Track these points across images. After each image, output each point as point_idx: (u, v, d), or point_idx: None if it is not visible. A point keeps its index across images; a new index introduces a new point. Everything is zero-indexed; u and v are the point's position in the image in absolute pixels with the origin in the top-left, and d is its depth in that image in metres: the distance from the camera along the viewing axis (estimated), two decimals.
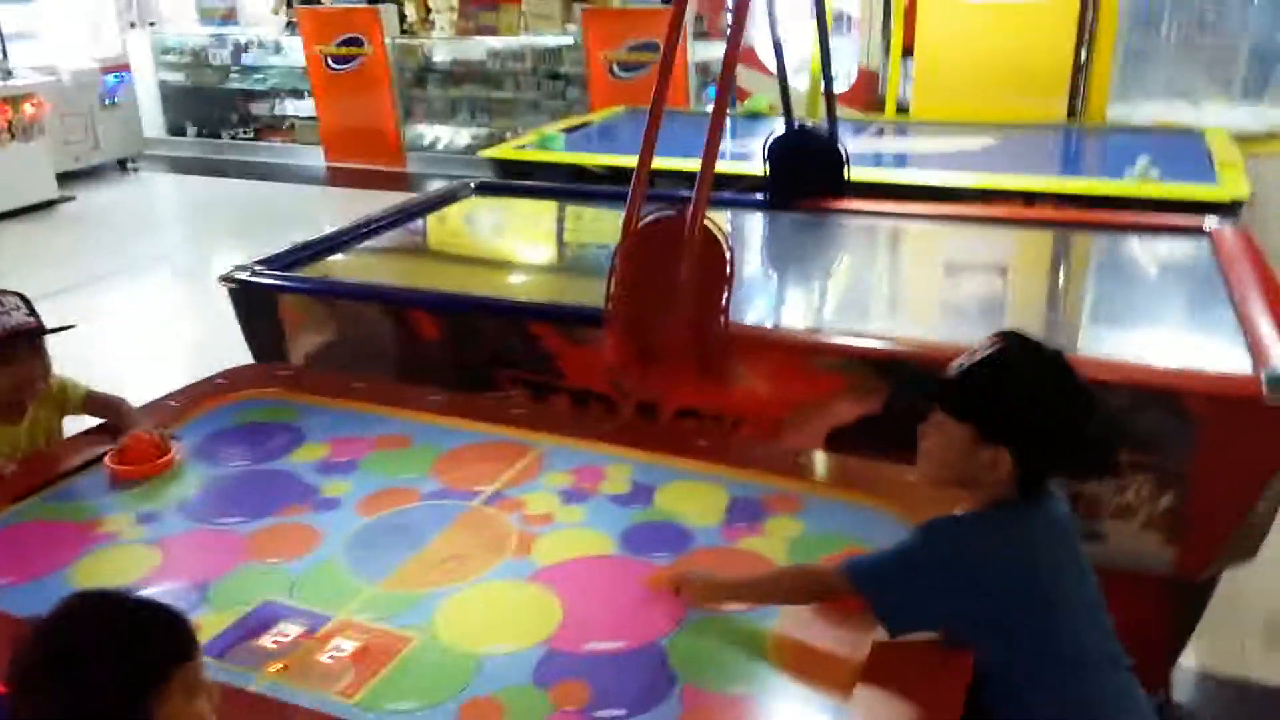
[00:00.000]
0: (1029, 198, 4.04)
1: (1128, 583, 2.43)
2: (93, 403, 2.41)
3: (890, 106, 6.51)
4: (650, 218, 2.61)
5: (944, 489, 1.67)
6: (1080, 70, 6.06)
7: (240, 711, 1.48)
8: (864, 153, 5.01)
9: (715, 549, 1.92)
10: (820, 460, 2.21)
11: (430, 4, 9.01)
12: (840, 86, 7.23)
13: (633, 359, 2.69)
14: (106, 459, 2.19)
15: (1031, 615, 1.55)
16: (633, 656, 1.63)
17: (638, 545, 1.93)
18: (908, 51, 6.39)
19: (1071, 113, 6.11)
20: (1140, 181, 3.94)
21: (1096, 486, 2.38)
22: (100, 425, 2.38)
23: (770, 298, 3.31)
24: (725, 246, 2.56)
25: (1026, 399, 1.57)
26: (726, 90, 2.69)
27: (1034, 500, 1.61)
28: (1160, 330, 2.85)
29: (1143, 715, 1.66)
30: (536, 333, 2.79)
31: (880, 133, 5.65)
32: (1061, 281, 3.44)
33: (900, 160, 5.04)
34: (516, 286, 3.47)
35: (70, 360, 2.47)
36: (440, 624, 1.71)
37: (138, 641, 1.27)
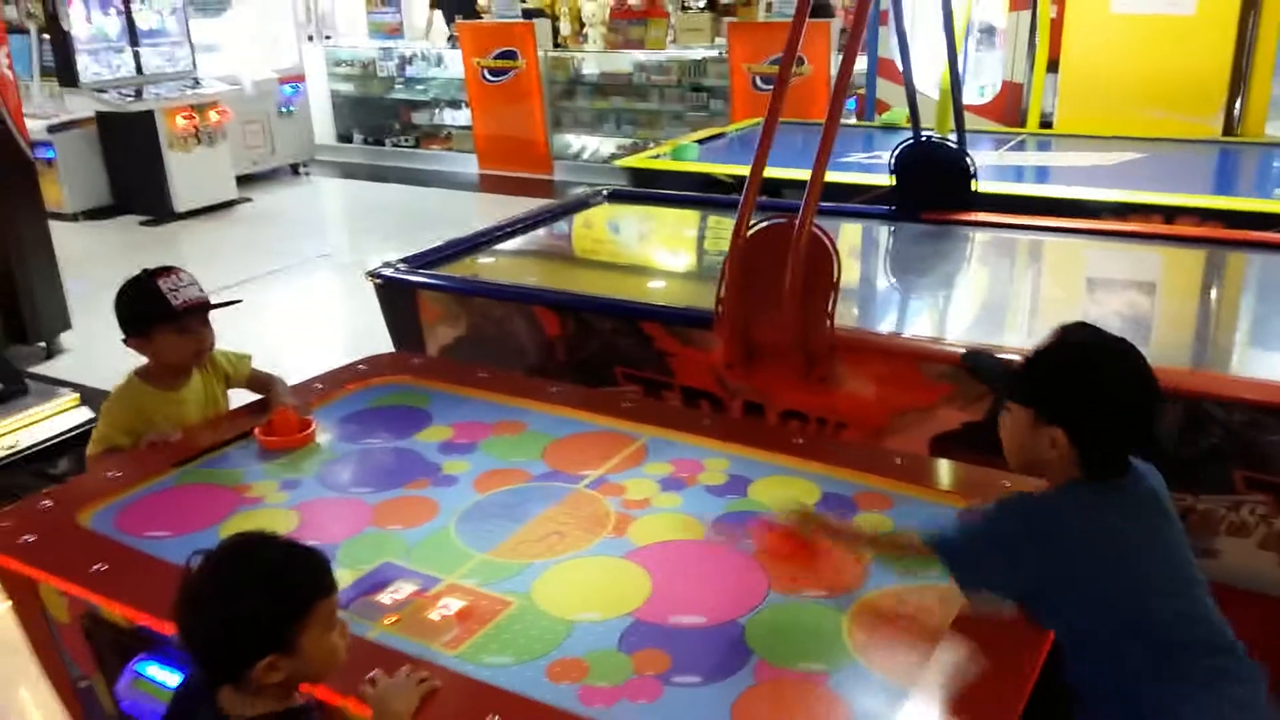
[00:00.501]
0: (1169, 213, 3.93)
1: (1242, 601, 2.39)
2: (254, 378, 2.68)
3: (1033, 119, 6.38)
4: (760, 224, 2.71)
5: (1024, 474, 1.78)
6: (1238, 84, 5.79)
7: (358, 656, 1.65)
8: (1000, 165, 4.96)
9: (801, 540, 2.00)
10: (914, 462, 2.26)
11: (584, 18, 9.33)
12: (984, 99, 7.15)
13: (740, 360, 2.80)
14: (256, 431, 2.45)
15: (1102, 588, 1.60)
16: (712, 631, 1.74)
17: (728, 532, 2.03)
18: (1053, 65, 6.25)
19: (1228, 129, 5.85)
20: None
21: (1211, 502, 2.35)
22: (253, 401, 2.64)
23: (884, 305, 3.35)
24: (832, 252, 2.64)
25: (1076, 382, 1.64)
26: (840, 99, 2.77)
27: (1105, 478, 1.66)
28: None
29: (1247, 709, 1.63)
30: (649, 333, 2.93)
31: (1021, 146, 5.56)
32: (1184, 298, 3.35)
33: (1036, 174, 4.96)
34: (636, 288, 3.62)
35: (239, 342, 2.75)
36: (538, 591, 1.86)
37: (287, 576, 1.48)
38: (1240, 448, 2.27)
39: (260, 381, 2.67)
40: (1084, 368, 1.65)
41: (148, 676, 1.80)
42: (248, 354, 2.71)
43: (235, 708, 1.50)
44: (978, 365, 1.95)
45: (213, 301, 2.52)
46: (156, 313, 2.43)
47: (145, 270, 2.49)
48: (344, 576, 1.89)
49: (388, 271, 3.40)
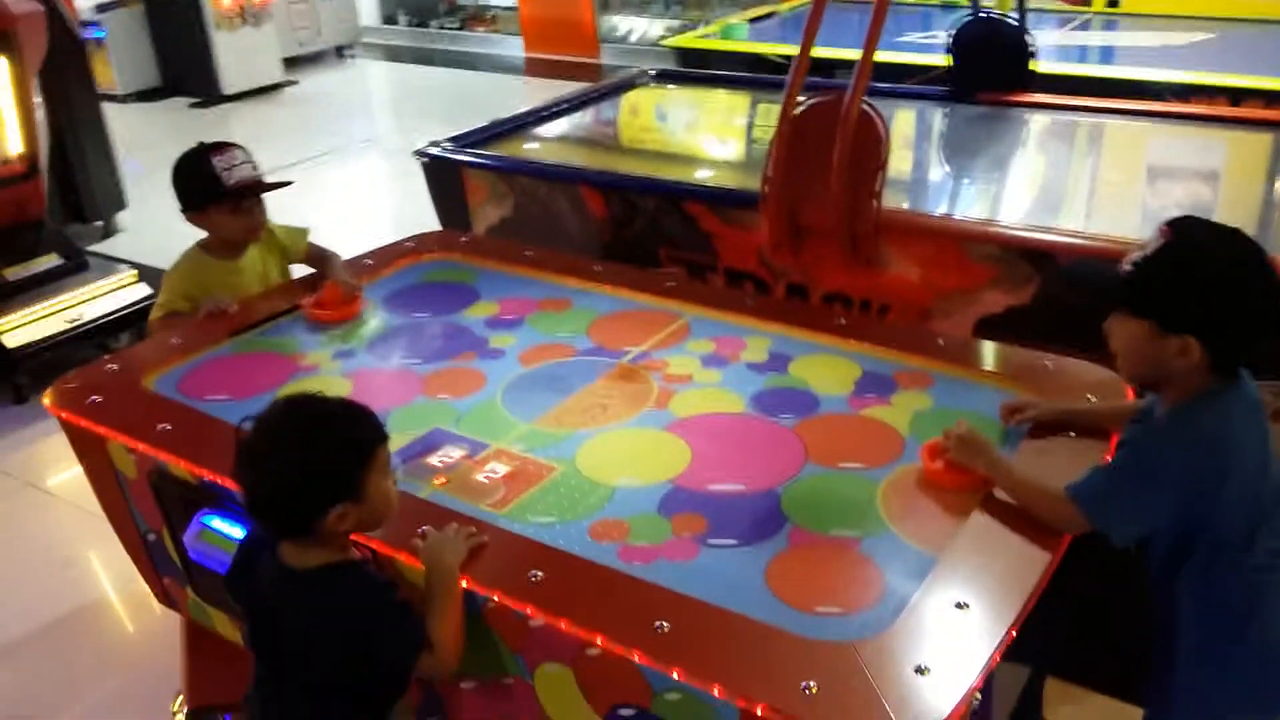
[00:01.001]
0: (1235, 95, 3.79)
1: None
2: (311, 253, 2.74)
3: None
4: (808, 102, 2.67)
5: (1142, 384, 1.67)
6: None
7: (409, 513, 1.73)
8: (1063, 45, 4.79)
9: (840, 415, 2.04)
10: (955, 342, 2.27)
11: None
12: None
13: (785, 241, 2.79)
14: (305, 303, 2.51)
15: (1232, 507, 1.57)
16: (749, 498, 1.79)
17: (767, 407, 2.07)
18: None
19: None
20: None
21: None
22: (307, 275, 2.70)
23: (933, 188, 3.31)
24: (881, 131, 2.60)
25: (1203, 284, 1.52)
26: None
27: (1231, 384, 1.59)
28: None
29: None
30: (693, 213, 2.93)
31: (1086, 25, 5.35)
32: (1249, 182, 3.25)
33: (1099, 54, 4.78)
34: (682, 169, 3.60)
35: (291, 222, 2.80)
36: (581, 458, 1.93)
37: (349, 424, 1.57)
38: None
39: (316, 256, 2.73)
40: (1206, 266, 1.52)
41: (212, 528, 1.90)
42: (306, 228, 2.77)
43: (296, 559, 1.59)
44: (1078, 270, 1.80)
45: (265, 181, 2.56)
46: (211, 191, 2.48)
47: (201, 144, 2.53)
48: (395, 440, 1.95)
49: (434, 150, 3.41)
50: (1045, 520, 1.62)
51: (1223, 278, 1.52)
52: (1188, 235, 1.54)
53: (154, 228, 5.47)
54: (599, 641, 1.45)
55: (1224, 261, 1.53)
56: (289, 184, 2.68)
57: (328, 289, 2.53)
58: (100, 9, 8.00)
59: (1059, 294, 2.46)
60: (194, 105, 8.29)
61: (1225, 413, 1.58)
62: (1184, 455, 1.56)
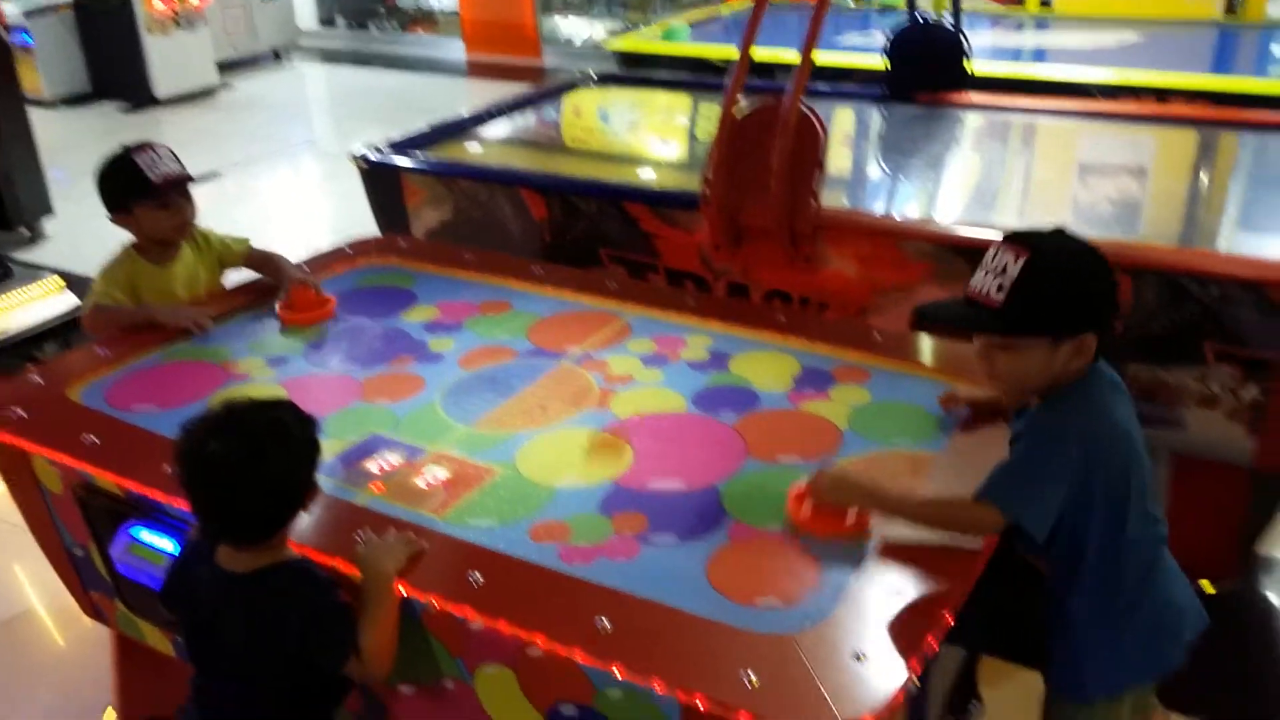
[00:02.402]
0: (1162, 94, 3.89)
1: (1206, 470, 2.47)
2: (253, 257, 2.68)
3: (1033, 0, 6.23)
4: (748, 104, 2.69)
5: (1027, 398, 1.68)
6: None
7: (348, 519, 1.71)
8: (996, 46, 4.87)
9: (779, 410, 2.05)
10: (891, 337, 2.29)
11: None
12: None
13: (725, 240, 2.81)
14: (278, 307, 2.48)
15: (1121, 473, 1.61)
16: (690, 496, 1.79)
17: (708, 404, 2.08)
18: None
19: (1230, 8, 5.72)
20: None
21: (1180, 375, 2.39)
22: (253, 281, 2.65)
23: (871, 187, 3.34)
24: (820, 132, 2.62)
25: (1084, 282, 1.57)
26: None
27: (1094, 366, 1.63)
28: (1272, 225, 2.78)
29: (1176, 577, 1.73)
30: (634, 214, 2.93)
31: (1019, 27, 5.46)
32: (1174, 178, 3.33)
33: (1032, 55, 4.88)
34: (623, 171, 3.60)
35: (225, 229, 2.73)
36: (521, 460, 1.91)
37: (305, 423, 1.57)
38: (1212, 321, 2.30)
39: (260, 260, 2.67)
40: (1079, 263, 1.57)
41: (140, 541, 1.86)
42: (246, 237, 2.71)
43: (237, 564, 1.57)
44: (939, 314, 1.86)
45: (191, 175, 2.51)
46: (136, 189, 2.43)
47: (124, 146, 2.49)
48: (332, 446, 1.94)
49: (372, 155, 3.37)
50: (959, 530, 1.60)
51: (1091, 269, 1.58)
52: (1041, 246, 1.56)
53: (82, 234, 5.35)
54: (539, 642, 1.45)
55: (1082, 256, 1.58)
56: (217, 175, 2.64)
57: (295, 291, 2.49)
58: (28, 14, 7.80)
59: None
60: (125, 110, 8.11)
61: (1099, 391, 1.63)
62: (1075, 435, 1.59)
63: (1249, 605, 2.70)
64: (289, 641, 1.53)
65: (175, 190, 2.48)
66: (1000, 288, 1.55)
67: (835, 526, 1.65)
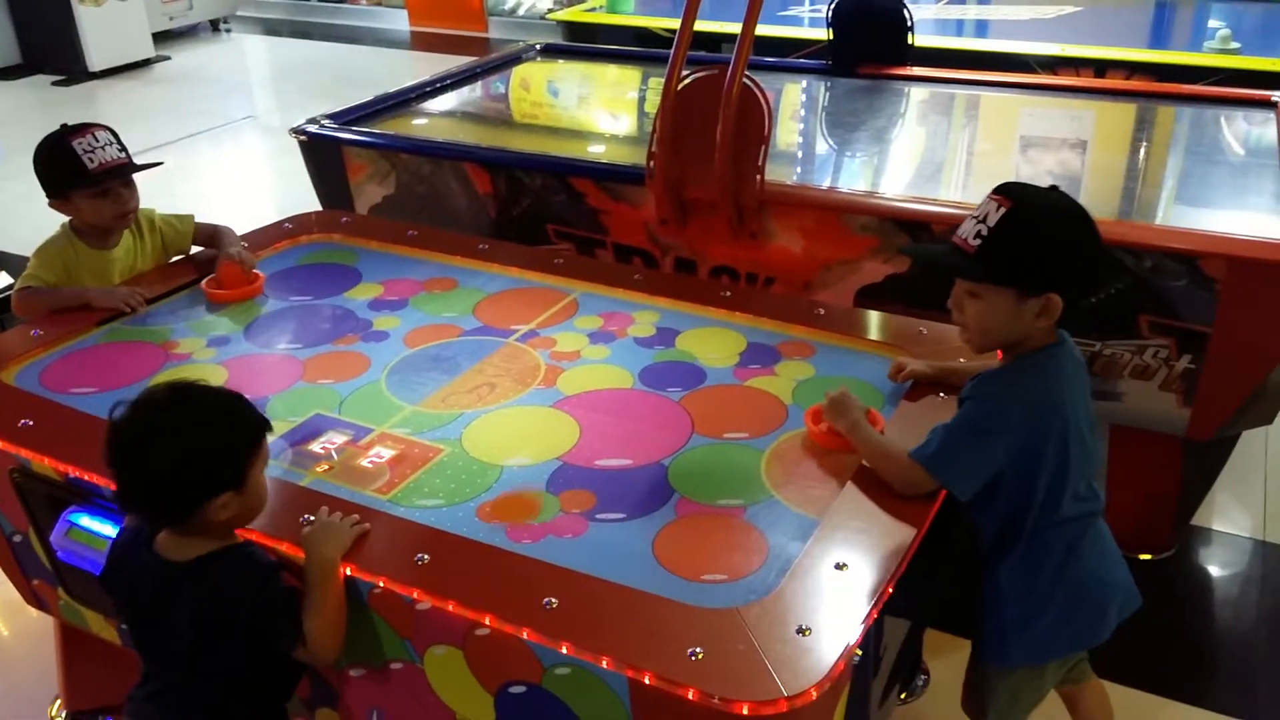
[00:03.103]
0: (1100, 67, 3.95)
1: (1141, 441, 2.53)
2: (200, 233, 2.63)
3: None
4: (691, 77, 2.68)
5: (991, 351, 1.72)
6: None
7: (292, 501, 1.69)
8: (939, 19, 4.91)
9: (726, 386, 2.06)
10: (835, 312, 2.32)
11: None
12: None
13: (673, 216, 2.81)
14: (204, 284, 2.43)
15: (1058, 451, 1.64)
16: (636, 472, 1.80)
17: (654, 381, 2.09)
18: None
19: None
20: (1218, 53, 3.81)
21: (1116, 347, 2.45)
22: (202, 253, 2.61)
23: (816, 160, 3.36)
24: (764, 105, 2.62)
25: (1058, 241, 1.58)
26: None
27: (1059, 341, 1.67)
28: (1206, 198, 2.84)
29: (1108, 553, 1.78)
30: (580, 189, 2.91)
31: (962, 0, 5.49)
32: (1112, 151, 3.39)
33: (974, 28, 4.92)
34: (569, 145, 3.57)
35: (165, 207, 2.67)
36: (468, 439, 1.91)
37: (238, 411, 1.54)
38: (1146, 293, 2.35)
39: (206, 235, 2.62)
40: (1058, 226, 1.58)
41: (81, 526, 1.83)
42: (190, 215, 2.66)
43: (175, 552, 1.55)
44: (921, 254, 1.89)
45: (132, 163, 2.44)
46: (73, 177, 2.36)
47: (63, 126, 2.41)
48: (275, 429, 1.91)
49: (313, 128, 3.31)
50: (895, 483, 1.66)
51: (1070, 231, 1.59)
52: (1025, 199, 1.59)
53: (14, 213, 5.20)
54: (487, 621, 1.45)
55: (1066, 216, 1.60)
56: (158, 164, 2.57)
57: (224, 267, 2.44)
58: None
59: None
60: (57, 83, 7.87)
61: (1056, 367, 1.66)
62: (1018, 404, 1.63)
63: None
64: (237, 629, 1.52)
65: (115, 178, 2.40)
66: (979, 235, 1.59)
67: (841, 444, 1.78)
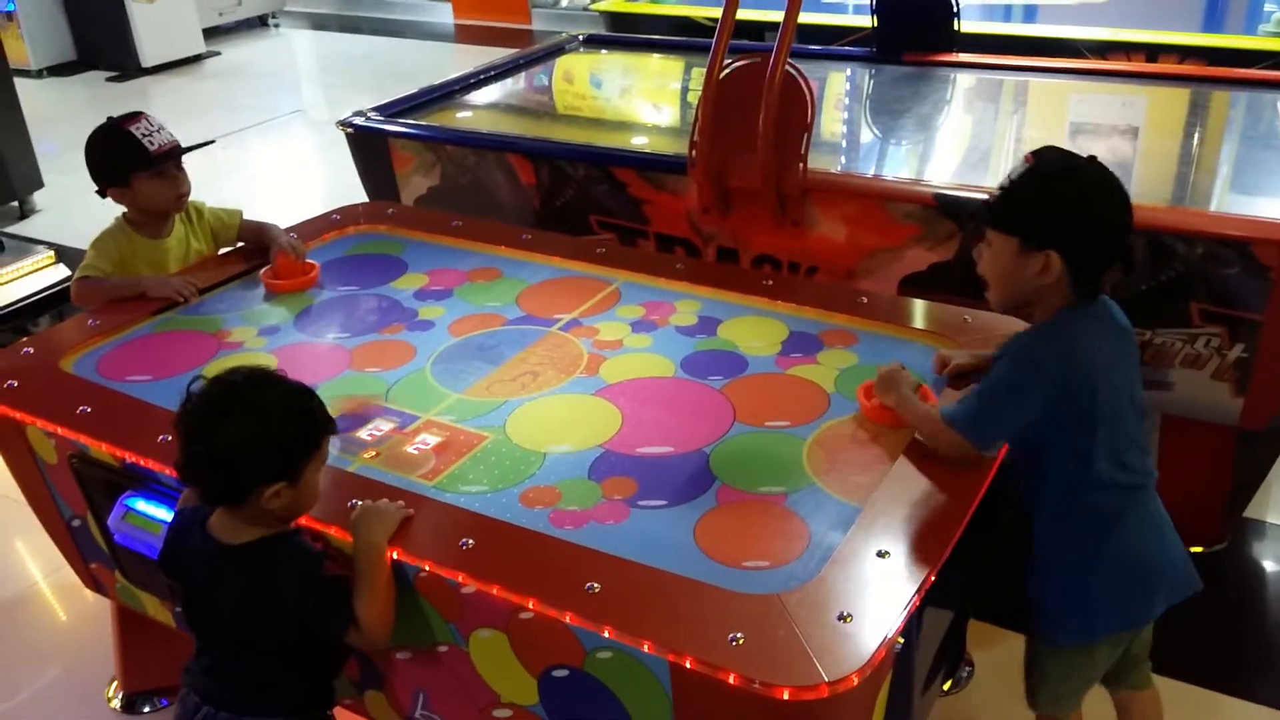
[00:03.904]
0: (1151, 52, 3.87)
1: (1193, 431, 2.49)
2: (246, 229, 2.68)
3: None
4: (733, 65, 2.68)
5: (1010, 310, 1.79)
6: None
7: (340, 486, 1.72)
8: (986, 4, 4.84)
9: (768, 374, 2.06)
10: (878, 300, 2.31)
11: None
12: None
13: (715, 205, 2.81)
14: (262, 274, 2.48)
15: (1089, 406, 1.65)
16: (678, 460, 1.81)
17: (696, 369, 2.09)
18: None
19: None
20: (1273, 36, 3.72)
21: (1167, 335, 2.41)
22: (240, 248, 2.66)
23: (861, 149, 3.34)
24: (806, 92, 2.61)
25: (1064, 199, 1.63)
26: None
27: (1091, 302, 1.69)
28: (1261, 184, 2.78)
29: (1156, 532, 1.75)
30: (622, 179, 2.92)
31: None
32: (1164, 137, 3.33)
33: (1022, 13, 4.85)
34: (611, 136, 3.58)
35: (216, 200, 2.73)
36: (512, 426, 1.93)
37: (308, 407, 1.58)
38: (1198, 281, 2.31)
39: (252, 231, 2.67)
40: (1068, 184, 1.63)
41: (137, 510, 1.87)
42: (238, 209, 2.71)
43: (227, 535, 1.59)
44: (951, 203, 1.94)
45: (185, 145, 2.51)
46: (134, 159, 2.42)
47: (111, 118, 2.47)
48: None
49: (359, 120, 3.35)
50: (938, 448, 1.72)
51: (1081, 194, 1.64)
52: (1050, 159, 1.66)
53: (72, 207, 5.33)
54: (531, 605, 1.47)
55: (1083, 180, 1.64)
56: (211, 142, 2.62)
57: (280, 258, 2.50)
58: None
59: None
60: (111, 79, 8.04)
61: (1083, 328, 1.68)
62: (1047, 356, 1.66)
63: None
64: (285, 614, 1.56)
65: (173, 159, 2.47)
66: (1002, 187, 1.68)
67: (892, 418, 1.82)
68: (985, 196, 1.72)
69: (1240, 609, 2.60)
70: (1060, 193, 1.63)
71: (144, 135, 2.42)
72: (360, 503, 1.64)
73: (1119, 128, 3.40)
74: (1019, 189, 1.65)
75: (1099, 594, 1.73)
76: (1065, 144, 1.72)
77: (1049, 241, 1.63)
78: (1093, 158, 1.65)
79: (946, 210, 2.49)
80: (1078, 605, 1.74)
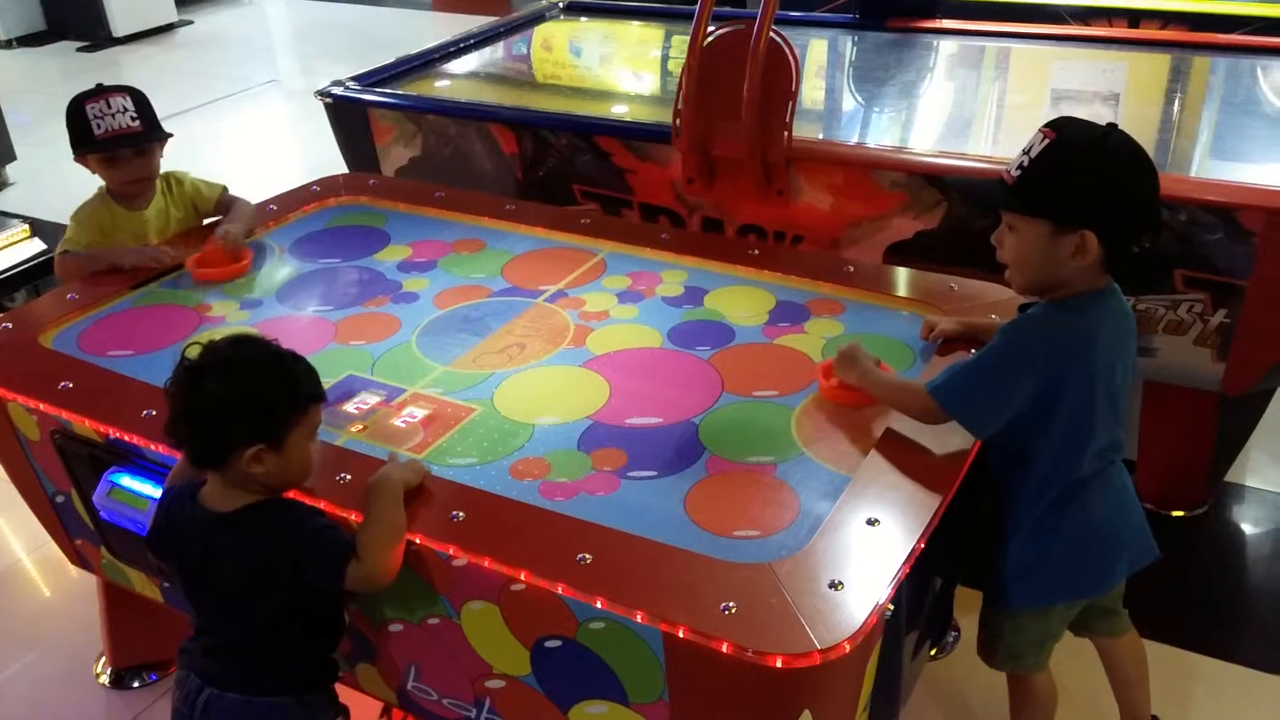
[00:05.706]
0: (1133, 17, 3.87)
1: (1175, 397, 2.51)
2: (222, 203, 2.63)
3: None
4: (716, 32, 2.65)
5: (1035, 293, 1.68)
6: None
7: (328, 461, 1.71)
8: None
9: (755, 344, 2.06)
10: (864, 268, 2.30)
11: None
12: None
13: (700, 174, 2.79)
14: (188, 262, 2.41)
15: (1081, 402, 1.63)
16: (667, 430, 1.81)
17: (683, 340, 2.09)
18: None
19: None
20: (1255, 1, 3.72)
21: (1150, 301, 2.42)
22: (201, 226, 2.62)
23: (845, 116, 3.32)
24: (791, 60, 2.59)
25: (1094, 174, 1.54)
26: None
27: (1103, 291, 1.63)
28: (1244, 150, 2.79)
29: (1117, 501, 1.76)
30: (606, 149, 2.90)
31: None
32: (1147, 103, 3.33)
33: None
34: (594, 105, 3.55)
35: (193, 171, 2.68)
36: (499, 399, 1.92)
37: (295, 371, 1.57)
38: (1181, 247, 2.32)
39: (224, 206, 2.63)
40: (1096, 157, 1.54)
41: (122, 486, 1.86)
42: (222, 184, 2.67)
43: (219, 503, 1.58)
44: (970, 187, 1.86)
45: (139, 133, 2.42)
46: (82, 139, 2.40)
47: (99, 86, 2.43)
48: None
49: (338, 90, 3.31)
50: (916, 416, 1.69)
51: (1113, 166, 1.55)
52: (1071, 132, 1.56)
53: (46, 179, 5.25)
54: (523, 577, 1.47)
55: (1112, 151, 1.56)
56: (168, 136, 2.51)
57: (209, 245, 2.44)
58: None
59: (965, 218, 2.51)
60: (82, 49, 7.90)
61: (1093, 315, 1.63)
62: (1044, 345, 1.61)
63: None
64: (281, 566, 1.54)
65: (123, 146, 2.41)
66: (1020, 166, 1.58)
67: (854, 398, 1.80)
68: (1000, 179, 1.61)
69: (1220, 572, 2.64)
70: (1089, 167, 1.54)
71: (95, 117, 2.37)
72: (349, 476, 1.63)
73: (1101, 94, 3.40)
74: (1043, 167, 1.55)
75: (1058, 561, 1.72)
76: (1047, 110, 1.68)
77: (1083, 220, 1.54)
78: (1113, 125, 1.56)
79: (965, 196, 2.44)
80: (1036, 571, 1.74)
